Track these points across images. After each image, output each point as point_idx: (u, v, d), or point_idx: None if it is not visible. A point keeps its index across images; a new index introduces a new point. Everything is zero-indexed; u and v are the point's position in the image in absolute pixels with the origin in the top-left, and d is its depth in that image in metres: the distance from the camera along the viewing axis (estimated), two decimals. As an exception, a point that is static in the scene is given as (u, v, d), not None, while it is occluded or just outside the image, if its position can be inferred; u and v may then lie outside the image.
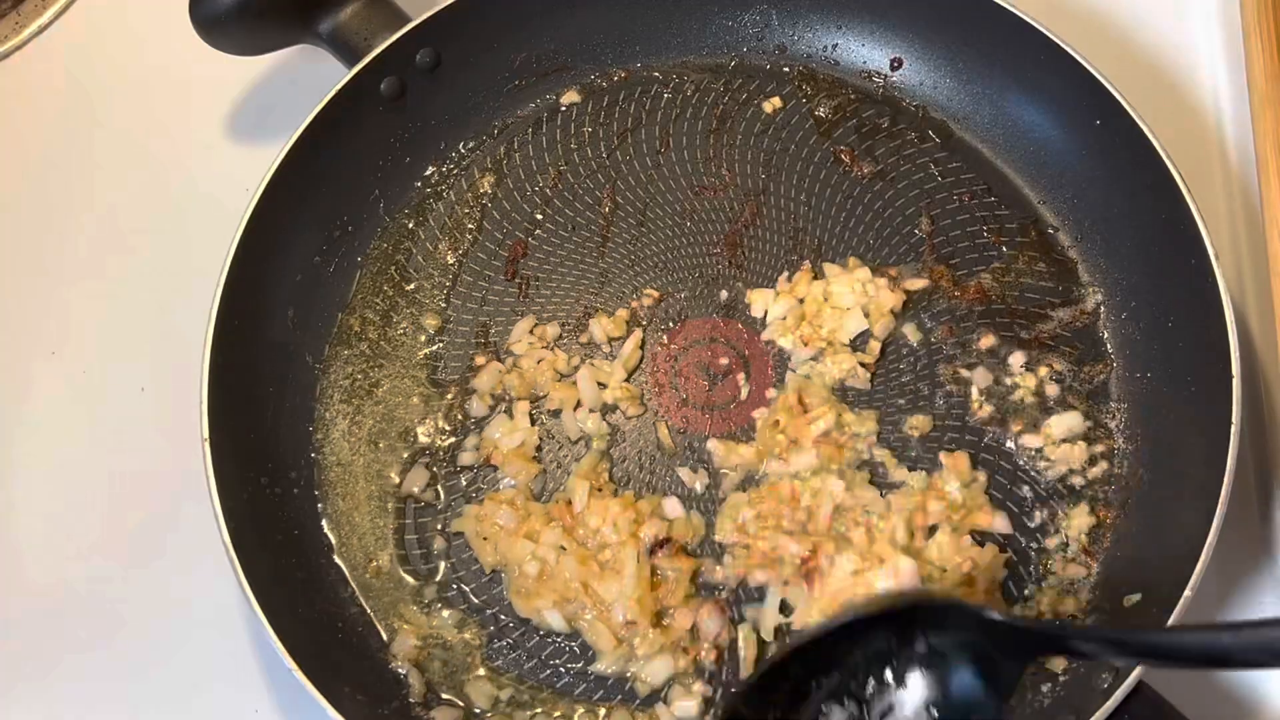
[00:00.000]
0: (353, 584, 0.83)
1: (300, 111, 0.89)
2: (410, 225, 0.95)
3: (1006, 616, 0.65)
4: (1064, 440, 0.84)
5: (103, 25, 1.10)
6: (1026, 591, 0.80)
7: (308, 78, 1.00)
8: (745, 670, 0.78)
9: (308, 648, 0.73)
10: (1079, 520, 0.81)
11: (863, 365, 0.86)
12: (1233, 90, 0.96)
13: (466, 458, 0.86)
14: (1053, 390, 0.85)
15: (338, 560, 0.83)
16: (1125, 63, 0.88)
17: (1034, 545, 0.81)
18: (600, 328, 0.89)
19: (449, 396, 0.88)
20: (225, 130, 1.04)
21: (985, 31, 0.92)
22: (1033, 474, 0.83)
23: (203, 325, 0.81)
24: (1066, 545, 0.81)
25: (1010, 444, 0.84)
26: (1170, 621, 0.71)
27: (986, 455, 0.84)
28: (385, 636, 0.81)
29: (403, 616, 0.81)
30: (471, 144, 0.97)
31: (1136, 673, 0.70)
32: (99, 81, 1.07)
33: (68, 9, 1.11)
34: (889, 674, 0.67)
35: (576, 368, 0.88)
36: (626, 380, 0.87)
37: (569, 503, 0.83)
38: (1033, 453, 0.84)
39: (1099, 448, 0.84)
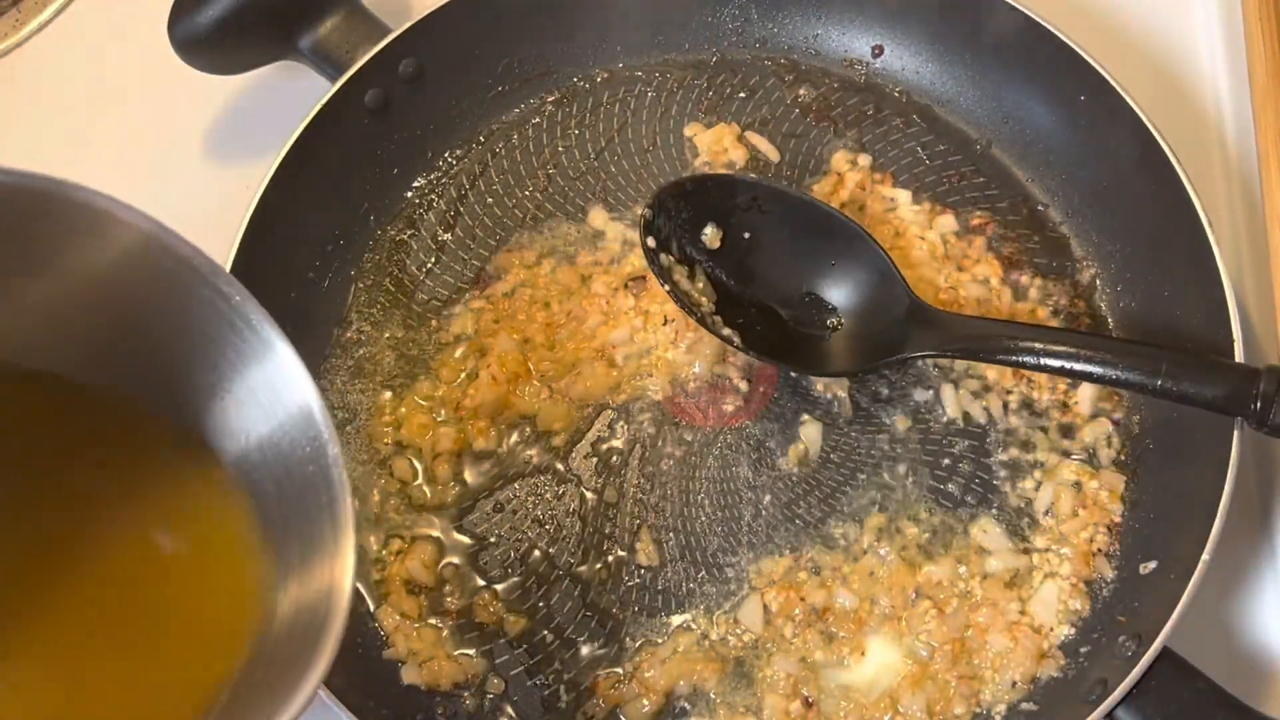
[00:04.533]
0: (369, 601, 0.82)
1: (283, 127, 0.88)
2: (402, 236, 0.94)
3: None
4: (1092, 417, 0.84)
5: (105, 23, 1.09)
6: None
7: (287, 93, 0.99)
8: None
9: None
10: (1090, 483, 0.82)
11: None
12: (1233, 82, 0.97)
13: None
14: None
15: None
16: (1124, 57, 0.88)
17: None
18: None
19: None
20: (216, 144, 1.03)
21: (965, 14, 0.93)
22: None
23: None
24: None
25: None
26: (1188, 587, 0.71)
27: (994, 433, 0.84)
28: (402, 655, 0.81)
29: (420, 636, 0.81)
30: (459, 152, 0.97)
31: (1161, 638, 0.70)
32: (101, 79, 1.07)
33: (68, 6, 1.10)
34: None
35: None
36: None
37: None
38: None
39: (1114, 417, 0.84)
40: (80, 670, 0.59)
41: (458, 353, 0.89)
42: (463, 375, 0.88)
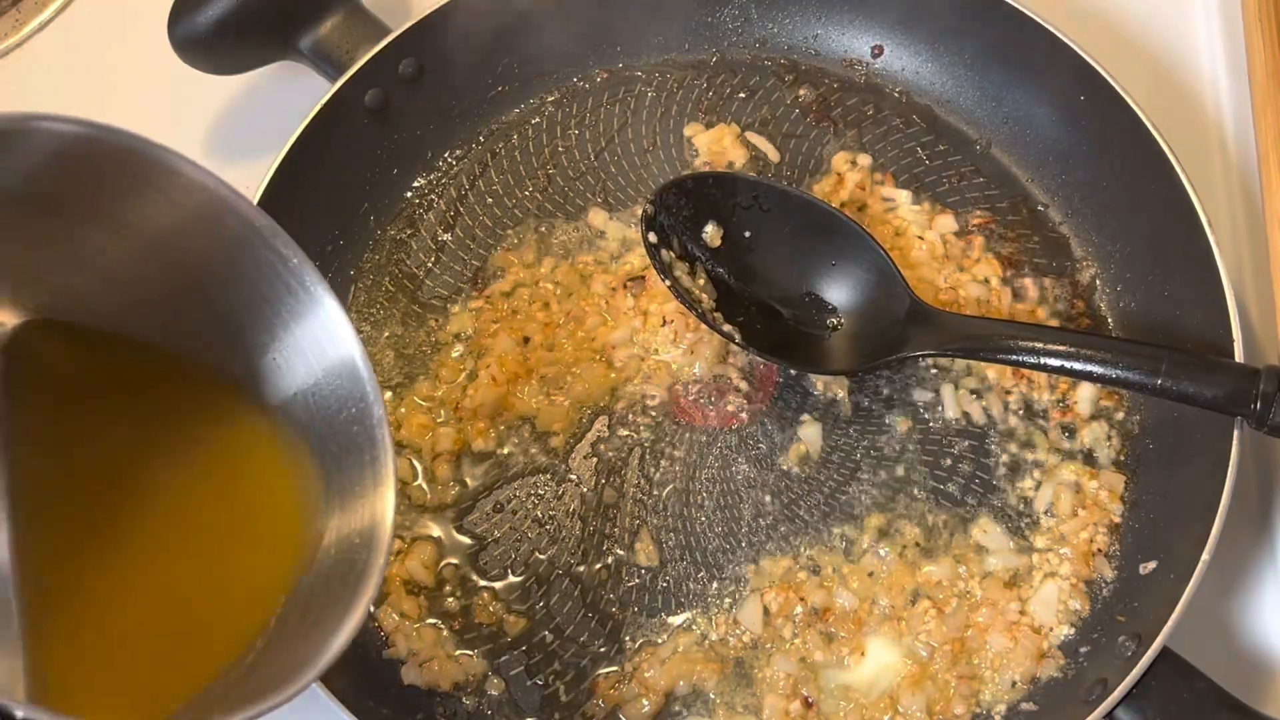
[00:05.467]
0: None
1: (283, 127, 0.88)
2: (402, 236, 0.94)
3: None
4: (1091, 417, 0.84)
5: (105, 23, 1.09)
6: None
7: (287, 93, 0.99)
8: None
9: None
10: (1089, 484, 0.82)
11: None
12: (1233, 82, 0.97)
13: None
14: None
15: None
16: (1124, 57, 0.89)
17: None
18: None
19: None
20: (214, 145, 1.03)
21: (965, 15, 0.93)
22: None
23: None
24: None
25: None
26: (1188, 587, 0.71)
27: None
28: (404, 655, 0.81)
29: (420, 636, 0.81)
30: (459, 152, 0.97)
31: (1161, 638, 0.70)
32: (101, 79, 1.07)
33: (68, 6, 1.10)
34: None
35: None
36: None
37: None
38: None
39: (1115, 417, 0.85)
40: (122, 614, 0.61)
41: (456, 353, 0.89)
42: (462, 375, 0.88)
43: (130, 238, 0.60)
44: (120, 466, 0.63)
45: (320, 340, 0.62)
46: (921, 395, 0.85)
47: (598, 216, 0.93)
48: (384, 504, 0.61)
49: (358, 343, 0.62)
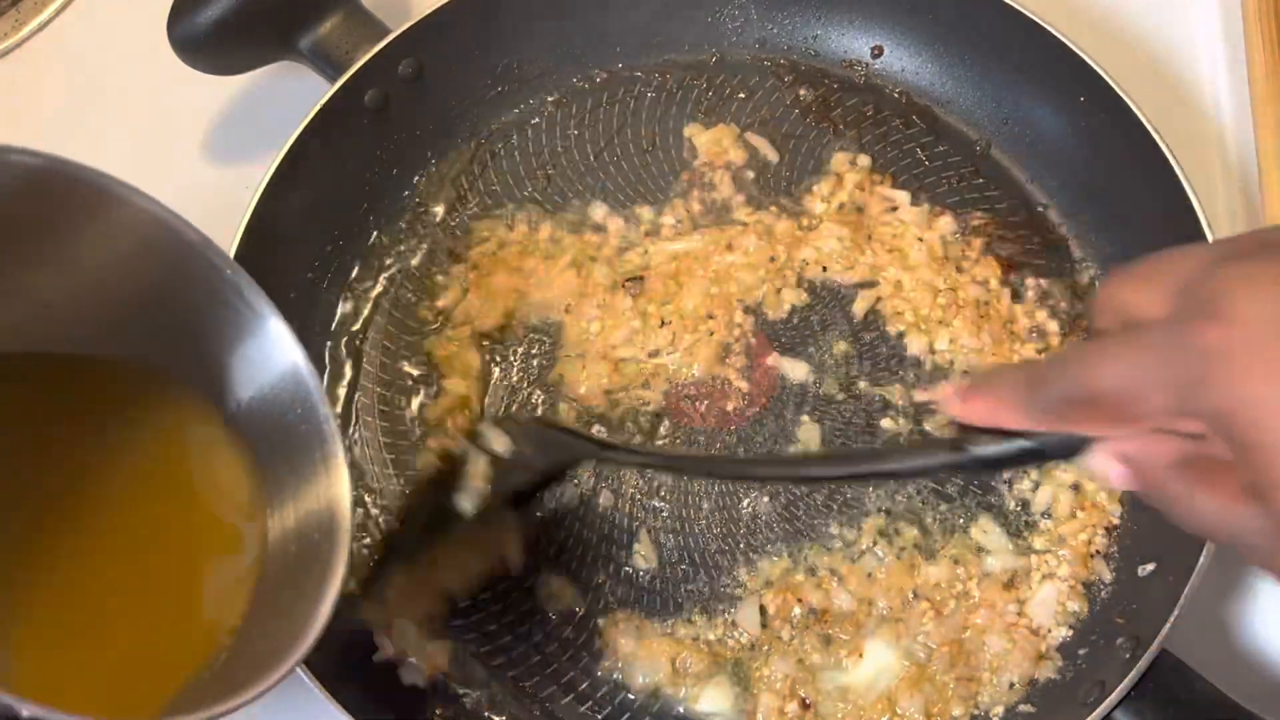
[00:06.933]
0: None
1: (282, 127, 0.88)
2: (401, 236, 0.94)
3: None
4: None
5: (105, 23, 1.09)
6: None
7: (287, 93, 0.99)
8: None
9: (335, 669, 0.73)
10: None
11: (864, 352, 0.87)
12: (1232, 82, 0.97)
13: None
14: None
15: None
16: (1124, 58, 0.89)
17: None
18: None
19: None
20: (214, 145, 1.03)
21: (965, 15, 0.93)
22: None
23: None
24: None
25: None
26: (1187, 589, 0.71)
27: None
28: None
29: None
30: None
31: (1159, 640, 0.70)
32: (101, 80, 1.07)
33: (68, 5, 1.10)
34: None
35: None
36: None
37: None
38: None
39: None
40: (96, 620, 0.63)
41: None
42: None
43: (69, 266, 0.62)
44: (73, 470, 0.65)
45: (265, 349, 0.65)
46: (920, 396, 0.85)
47: (597, 216, 0.93)
48: (339, 490, 0.63)
49: (299, 348, 0.65)
